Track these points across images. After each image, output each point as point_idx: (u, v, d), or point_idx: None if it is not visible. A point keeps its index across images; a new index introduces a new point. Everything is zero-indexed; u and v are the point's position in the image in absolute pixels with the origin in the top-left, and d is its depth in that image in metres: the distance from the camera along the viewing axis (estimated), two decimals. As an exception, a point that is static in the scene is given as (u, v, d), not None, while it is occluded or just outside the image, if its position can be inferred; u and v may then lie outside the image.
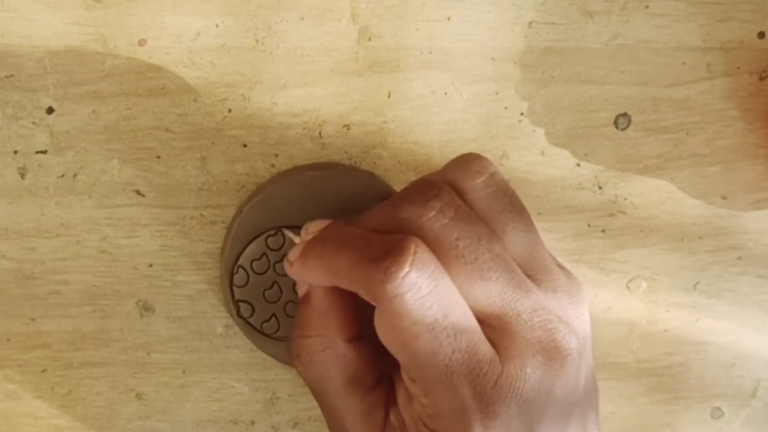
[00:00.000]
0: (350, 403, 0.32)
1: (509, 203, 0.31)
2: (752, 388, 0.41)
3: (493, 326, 0.29)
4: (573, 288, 0.32)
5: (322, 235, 0.31)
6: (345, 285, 0.30)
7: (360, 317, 0.31)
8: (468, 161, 0.32)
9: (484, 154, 0.37)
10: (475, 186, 0.31)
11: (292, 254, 0.32)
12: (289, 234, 0.35)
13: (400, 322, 0.28)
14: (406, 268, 0.28)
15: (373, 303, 0.29)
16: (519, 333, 0.29)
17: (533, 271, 0.31)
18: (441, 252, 0.29)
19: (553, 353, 0.29)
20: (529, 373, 0.29)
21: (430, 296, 0.28)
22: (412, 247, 0.28)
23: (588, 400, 0.31)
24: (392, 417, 0.31)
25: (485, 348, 0.29)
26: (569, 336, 0.30)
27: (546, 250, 0.32)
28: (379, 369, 0.32)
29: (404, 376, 0.30)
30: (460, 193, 0.31)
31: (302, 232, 0.34)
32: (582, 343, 0.31)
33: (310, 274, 0.31)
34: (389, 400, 0.32)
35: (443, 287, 0.29)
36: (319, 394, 0.32)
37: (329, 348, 0.32)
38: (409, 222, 0.30)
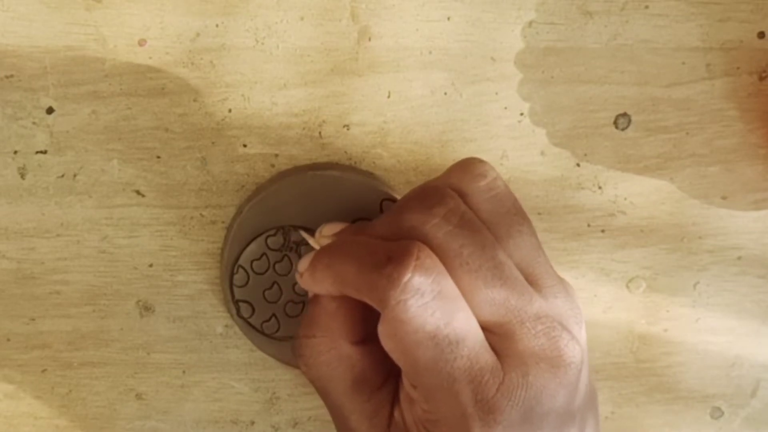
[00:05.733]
0: (356, 402, 0.32)
1: (512, 206, 0.31)
2: (752, 388, 0.41)
3: (496, 333, 0.29)
4: (570, 294, 0.32)
5: (329, 245, 0.31)
6: (352, 294, 0.30)
7: (368, 320, 0.31)
8: (471, 164, 0.31)
9: (484, 154, 0.37)
10: (480, 188, 0.31)
11: (302, 265, 0.32)
12: (304, 234, 0.35)
13: (402, 328, 0.28)
14: (409, 274, 0.28)
15: (379, 310, 0.29)
16: (522, 341, 0.29)
17: (534, 277, 0.31)
18: (445, 259, 0.29)
19: (556, 361, 0.29)
20: (531, 380, 0.29)
21: (433, 303, 0.28)
22: (415, 253, 0.28)
23: (588, 404, 0.31)
24: (396, 415, 0.31)
25: (487, 356, 0.29)
26: (572, 344, 0.30)
27: (545, 255, 0.32)
28: (387, 367, 0.32)
29: (405, 382, 0.30)
30: (463, 196, 0.31)
31: (316, 234, 0.34)
32: (583, 349, 0.31)
33: (319, 284, 0.31)
34: (395, 398, 0.32)
35: (446, 293, 0.28)
36: (323, 393, 0.32)
37: (334, 349, 0.31)
38: (414, 229, 0.29)
